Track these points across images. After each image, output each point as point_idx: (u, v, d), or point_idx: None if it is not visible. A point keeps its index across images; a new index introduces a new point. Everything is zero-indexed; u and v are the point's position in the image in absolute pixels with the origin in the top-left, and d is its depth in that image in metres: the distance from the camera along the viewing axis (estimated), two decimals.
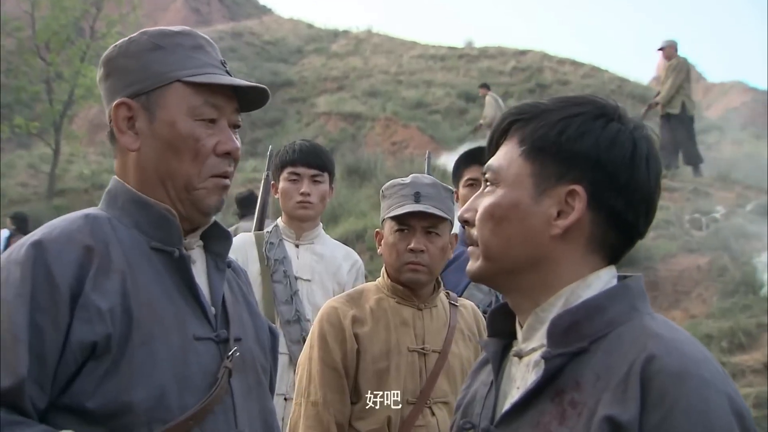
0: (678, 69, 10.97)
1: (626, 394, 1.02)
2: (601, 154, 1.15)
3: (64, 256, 1.27)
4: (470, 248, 1.26)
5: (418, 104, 18.93)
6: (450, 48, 24.45)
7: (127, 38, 1.45)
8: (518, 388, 1.19)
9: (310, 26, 27.62)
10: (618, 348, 1.08)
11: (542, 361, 1.13)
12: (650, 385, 1.02)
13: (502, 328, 1.29)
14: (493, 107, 14.35)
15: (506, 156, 1.21)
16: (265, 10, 32.61)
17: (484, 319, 2.47)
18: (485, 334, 2.36)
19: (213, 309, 1.44)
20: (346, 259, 3.23)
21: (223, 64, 1.47)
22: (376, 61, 22.94)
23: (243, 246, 3.09)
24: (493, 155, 1.26)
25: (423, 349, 2.26)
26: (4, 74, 17.73)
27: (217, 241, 1.51)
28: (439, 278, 2.40)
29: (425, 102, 18.80)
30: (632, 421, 1.01)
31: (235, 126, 1.47)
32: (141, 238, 1.38)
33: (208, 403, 1.33)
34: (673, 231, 9.35)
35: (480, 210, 1.22)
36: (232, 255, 1.64)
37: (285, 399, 2.95)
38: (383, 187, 2.41)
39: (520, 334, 1.23)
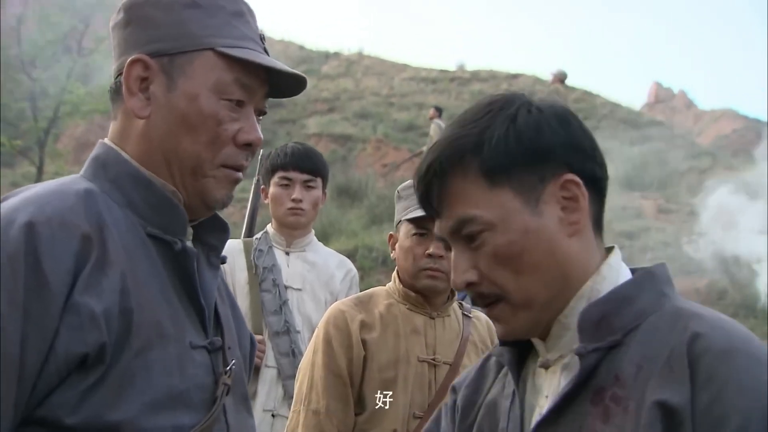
0: None
1: (673, 375, 0.98)
2: (562, 136, 1.12)
3: (58, 247, 1.06)
4: (490, 310, 1.13)
5: (409, 127, 18.98)
6: (441, 71, 24.63)
7: None
8: (547, 396, 1.13)
9: (301, 48, 27.70)
10: (655, 335, 1.04)
11: (572, 362, 1.09)
12: (698, 365, 0.97)
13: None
14: (438, 135, 13.68)
15: (473, 198, 1.11)
16: None
17: None
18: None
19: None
20: (340, 267, 3.08)
21: (262, 39, 1.29)
22: (367, 83, 22.98)
23: (230, 253, 2.90)
24: (434, 208, 1.14)
25: (434, 359, 2.12)
26: None
27: (212, 232, 1.31)
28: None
29: (416, 124, 18.78)
30: (684, 404, 0.95)
31: (261, 113, 1.29)
32: (135, 221, 1.18)
33: (207, 425, 1.16)
34: (670, 253, 9.26)
35: (488, 261, 1.10)
36: None
37: (273, 415, 2.76)
38: (399, 188, 2.25)
39: (541, 345, 1.16)
